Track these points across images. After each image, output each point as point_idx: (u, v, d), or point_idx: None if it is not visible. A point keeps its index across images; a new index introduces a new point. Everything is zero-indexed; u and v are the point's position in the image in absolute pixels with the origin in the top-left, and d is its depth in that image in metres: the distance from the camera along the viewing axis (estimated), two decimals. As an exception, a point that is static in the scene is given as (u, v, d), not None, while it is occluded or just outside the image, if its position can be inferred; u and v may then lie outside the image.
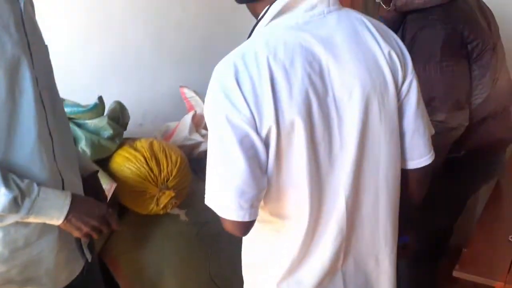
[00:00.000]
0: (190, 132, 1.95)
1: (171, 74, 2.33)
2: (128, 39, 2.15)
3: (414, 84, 0.91)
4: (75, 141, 1.52)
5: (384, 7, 1.49)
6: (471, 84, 1.46)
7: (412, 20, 1.43)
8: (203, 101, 2.02)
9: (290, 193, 0.86)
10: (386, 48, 0.85)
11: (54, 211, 0.96)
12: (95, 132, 1.57)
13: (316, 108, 0.80)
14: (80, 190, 1.13)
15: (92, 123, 1.57)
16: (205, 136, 1.98)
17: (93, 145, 1.54)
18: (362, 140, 0.86)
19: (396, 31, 1.44)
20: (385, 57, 0.85)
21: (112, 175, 1.58)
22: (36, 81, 0.95)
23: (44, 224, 0.98)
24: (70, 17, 1.96)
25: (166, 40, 2.29)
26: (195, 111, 2.04)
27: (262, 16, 0.84)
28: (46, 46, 1.05)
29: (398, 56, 0.87)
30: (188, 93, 2.11)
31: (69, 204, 0.97)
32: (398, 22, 1.46)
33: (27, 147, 0.94)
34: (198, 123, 2.04)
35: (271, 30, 0.83)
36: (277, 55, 0.79)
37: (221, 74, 0.81)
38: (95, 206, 1.05)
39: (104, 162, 1.62)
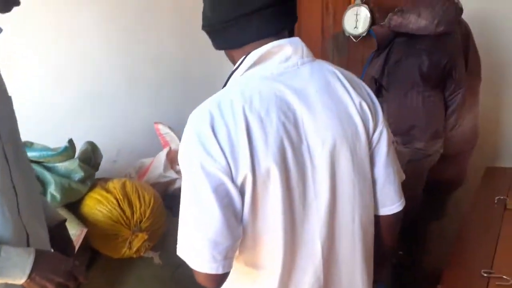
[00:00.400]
0: (165, 169, 1.94)
1: (146, 110, 2.33)
2: (102, 76, 2.14)
3: (385, 133, 0.93)
4: (44, 185, 1.49)
5: (379, 22, 1.55)
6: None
7: (400, 44, 1.45)
8: (178, 137, 2.05)
9: (265, 241, 0.85)
10: (357, 99, 0.88)
11: (16, 271, 0.92)
12: (66, 175, 1.54)
13: (291, 156, 0.81)
14: (46, 244, 1.09)
15: (62, 166, 1.54)
16: (180, 173, 1.96)
17: (63, 189, 1.50)
18: (335, 188, 0.87)
19: (384, 48, 1.49)
20: (356, 108, 0.87)
21: (83, 219, 1.54)
22: None
23: (7, 283, 0.94)
24: (43, 54, 1.94)
25: (140, 76, 2.29)
26: (170, 147, 2.03)
27: (238, 66, 0.86)
28: (9, 98, 1.03)
29: (369, 106, 0.90)
30: (163, 129, 2.10)
31: (32, 262, 0.93)
32: (387, 40, 1.49)
33: None
34: (173, 159, 2.03)
35: (247, 79, 0.85)
36: (252, 104, 0.80)
37: (197, 122, 0.81)
38: (60, 262, 1.01)
39: (74, 206, 1.58)
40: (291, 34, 0.89)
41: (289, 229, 0.84)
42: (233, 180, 0.78)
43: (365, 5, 2.32)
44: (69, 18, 1.99)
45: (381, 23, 1.50)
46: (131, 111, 2.28)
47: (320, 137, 0.84)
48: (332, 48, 2.58)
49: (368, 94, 0.93)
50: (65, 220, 1.22)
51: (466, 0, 1.49)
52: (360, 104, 0.88)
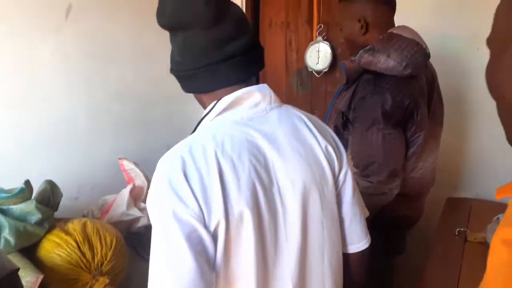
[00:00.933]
0: (128, 207, 1.88)
1: (107, 145, 2.27)
2: (62, 110, 2.08)
3: (349, 174, 0.98)
4: (-3, 230, 1.41)
5: (340, 58, 1.58)
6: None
7: (366, 81, 1.48)
8: (143, 173, 2.00)
9: (237, 286, 0.84)
10: (323, 142, 0.92)
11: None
12: (21, 218, 1.47)
13: (263, 199, 0.82)
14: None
15: (17, 208, 1.47)
16: (144, 210, 1.91)
17: (18, 233, 1.43)
18: (305, 229, 0.88)
19: (352, 82, 1.53)
20: (323, 151, 0.91)
21: (40, 264, 1.46)
22: None
23: None
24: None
25: (102, 111, 2.24)
26: (134, 184, 1.98)
27: (209, 111, 0.87)
28: None
29: (334, 149, 0.94)
30: (128, 165, 2.05)
31: None
32: (356, 75, 1.52)
33: None
34: (137, 196, 1.98)
35: (218, 124, 0.86)
36: (224, 149, 0.80)
37: (168, 167, 0.80)
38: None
39: (31, 250, 1.50)
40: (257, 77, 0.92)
41: (261, 273, 0.84)
42: (205, 226, 0.77)
43: (326, 42, 2.41)
44: (29, 51, 1.93)
45: (352, 58, 1.53)
46: (93, 147, 2.22)
47: (290, 180, 0.86)
48: (297, 82, 2.64)
49: (332, 137, 0.98)
50: (17, 270, 1.15)
51: (432, 45, 1.56)
52: (326, 148, 0.92)
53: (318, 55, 2.43)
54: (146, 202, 0.83)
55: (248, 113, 0.86)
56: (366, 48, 1.47)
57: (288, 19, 2.62)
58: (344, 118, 1.55)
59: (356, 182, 1.32)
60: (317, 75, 2.50)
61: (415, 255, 1.80)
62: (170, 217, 0.76)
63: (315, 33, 2.49)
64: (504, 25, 0.54)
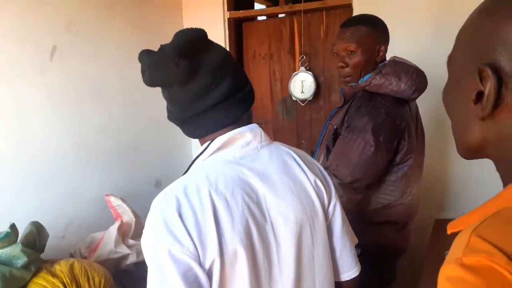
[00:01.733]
0: (116, 244, 1.85)
1: (95, 181, 2.27)
2: (49, 149, 2.08)
3: (338, 206, 1.01)
4: (-18, 276, 1.37)
5: (349, 84, 1.59)
6: (383, 179, 1.53)
7: (362, 96, 1.52)
8: (131, 208, 1.99)
9: None
10: (312, 177, 0.95)
11: None
12: (7, 263, 1.44)
13: (256, 236, 0.84)
14: None
15: (3, 252, 1.44)
16: (132, 247, 1.89)
17: (3, 278, 1.39)
18: (299, 262, 0.90)
19: (349, 101, 1.56)
20: (312, 185, 0.94)
21: (26, 309, 1.42)
22: None
23: None
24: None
25: (88, 147, 2.25)
26: (122, 220, 1.96)
27: (202, 152, 0.90)
28: None
29: (322, 183, 0.97)
30: (115, 201, 2.03)
31: None
32: (353, 96, 1.56)
33: None
34: (125, 233, 1.95)
35: (210, 164, 0.88)
36: (218, 188, 0.82)
37: (163, 208, 0.81)
38: None
39: (17, 294, 1.46)
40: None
41: None
42: (201, 264, 0.78)
43: (309, 72, 2.47)
44: (14, 89, 1.94)
45: (351, 84, 1.56)
46: (79, 184, 2.21)
47: (282, 215, 0.88)
48: (282, 111, 2.69)
49: (321, 171, 1.02)
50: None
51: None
52: (315, 182, 0.95)
53: (302, 85, 2.48)
54: (141, 242, 0.83)
55: (240, 152, 0.89)
56: (374, 72, 1.50)
57: (271, 51, 2.69)
58: (335, 135, 1.57)
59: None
60: (301, 104, 2.55)
61: (407, 277, 1.80)
62: (166, 257, 0.77)
63: (297, 63, 2.56)
64: (461, 56, 0.57)
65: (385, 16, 1.59)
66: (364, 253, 1.49)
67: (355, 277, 1.06)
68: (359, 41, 1.49)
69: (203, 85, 0.86)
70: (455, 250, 0.46)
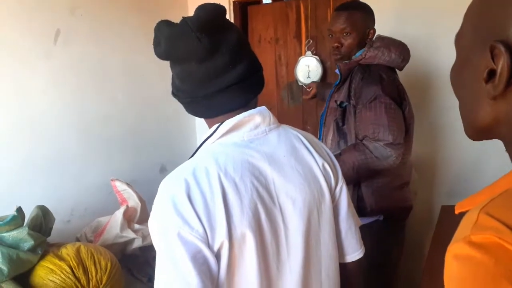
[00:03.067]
0: (122, 229, 1.86)
1: (100, 166, 2.26)
2: (53, 134, 2.07)
3: (344, 188, 1.01)
4: (-11, 259, 1.38)
5: (344, 61, 1.76)
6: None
7: (359, 70, 1.68)
8: (136, 193, 1.99)
9: None
10: (320, 160, 0.95)
11: None
12: (14, 246, 1.44)
13: (265, 219, 0.84)
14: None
15: (10, 235, 1.45)
16: (138, 232, 1.89)
17: (10, 261, 1.40)
18: (306, 245, 0.91)
19: (345, 78, 1.71)
20: (320, 168, 0.94)
21: (33, 292, 1.43)
22: None
23: None
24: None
25: (92, 133, 2.24)
26: (127, 205, 1.96)
27: (211, 135, 0.89)
28: None
29: (330, 166, 0.97)
30: (120, 186, 2.03)
31: None
32: (349, 72, 1.71)
33: None
34: (131, 218, 1.96)
35: (220, 147, 0.87)
36: (227, 171, 0.82)
37: (172, 190, 0.80)
38: None
39: (24, 277, 1.47)
40: None
41: None
42: (209, 247, 0.78)
43: (316, 56, 2.44)
44: (18, 77, 1.92)
45: (345, 61, 1.72)
46: (85, 169, 2.21)
47: (290, 198, 0.88)
48: (287, 96, 2.66)
49: (328, 154, 1.02)
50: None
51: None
52: (323, 165, 0.95)
53: (308, 69, 2.45)
54: (149, 224, 0.83)
55: (249, 135, 0.89)
56: (366, 47, 1.67)
57: (277, 35, 2.65)
58: (343, 109, 1.68)
59: (365, 145, 1.55)
60: (307, 89, 2.52)
61: (417, 264, 1.80)
62: (175, 239, 0.77)
63: (303, 47, 2.52)
64: (469, 33, 0.55)
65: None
66: (385, 218, 1.69)
67: (359, 259, 1.07)
68: (354, 24, 1.68)
69: (222, 64, 0.84)
70: (463, 228, 0.46)
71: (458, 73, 0.58)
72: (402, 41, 1.73)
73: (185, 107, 0.93)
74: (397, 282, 1.91)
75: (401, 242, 1.86)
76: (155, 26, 0.86)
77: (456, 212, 0.53)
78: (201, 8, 0.82)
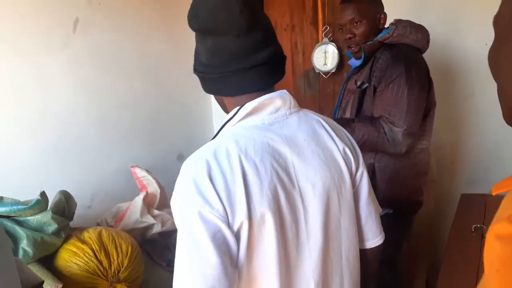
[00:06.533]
0: (142, 214, 1.89)
1: (120, 153, 2.30)
2: (73, 121, 2.11)
3: (365, 174, 1.01)
4: (16, 241, 1.43)
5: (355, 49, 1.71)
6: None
7: (385, 50, 1.64)
8: (155, 180, 2.02)
9: (260, 285, 0.86)
10: (341, 145, 0.95)
11: None
12: (38, 229, 1.48)
13: (284, 201, 0.84)
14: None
15: (34, 219, 1.49)
16: (157, 217, 1.92)
17: (35, 243, 1.44)
18: (326, 228, 0.91)
19: (369, 59, 1.68)
20: (341, 153, 0.94)
21: (58, 273, 1.48)
22: None
23: None
24: (11, 104, 1.89)
25: (111, 121, 2.27)
26: (147, 191, 2.00)
27: (232, 117, 0.89)
28: None
29: (351, 150, 0.97)
30: (140, 172, 2.07)
31: None
32: (372, 53, 1.68)
33: None
34: (150, 203, 1.99)
35: (240, 129, 0.88)
36: (248, 153, 0.83)
37: (193, 170, 0.82)
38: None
39: (48, 259, 1.52)
40: None
41: (283, 272, 0.87)
42: (229, 226, 0.79)
43: (333, 43, 2.41)
44: (39, 66, 1.96)
45: (368, 42, 1.67)
46: (105, 155, 2.25)
47: (310, 182, 0.88)
48: (304, 84, 2.65)
49: (349, 139, 1.01)
50: (42, 282, 1.17)
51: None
52: (344, 150, 0.95)
53: (325, 56, 2.43)
54: (171, 203, 0.84)
55: (269, 118, 0.89)
56: (390, 27, 1.64)
57: (293, 21, 2.63)
58: (363, 90, 1.65)
59: (381, 124, 1.52)
60: (324, 76, 2.50)
61: (429, 251, 1.79)
62: (196, 218, 0.78)
63: (320, 34, 2.50)
64: (509, 9, 0.54)
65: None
66: (395, 212, 1.66)
67: (378, 245, 1.07)
68: (362, 12, 1.64)
69: (257, 41, 0.85)
70: (506, 208, 0.45)
71: (496, 54, 0.57)
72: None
73: (206, 85, 0.92)
74: (401, 275, 1.89)
75: (409, 237, 1.84)
76: None
77: (494, 193, 0.52)
78: None
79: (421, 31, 1.64)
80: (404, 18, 1.68)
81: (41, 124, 1.99)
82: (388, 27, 1.66)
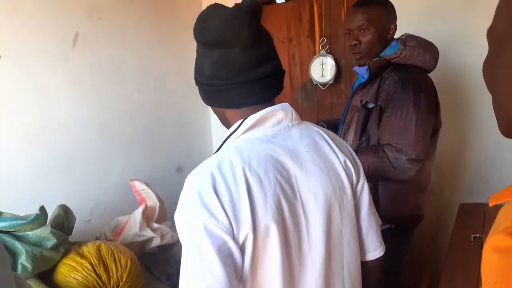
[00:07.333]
0: (141, 228, 1.89)
1: (119, 166, 2.31)
2: (73, 134, 2.12)
3: (366, 186, 1.02)
4: (14, 256, 1.42)
5: (360, 60, 1.66)
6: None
7: (393, 71, 1.58)
8: (155, 193, 2.02)
9: None
10: (341, 156, 0.96)
11: None
12: (37, 244, 1.48)
13: (287, 213, 0.85)
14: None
15: (34, 234, 1.48)
16: (156, 231, 1.92)
17: (34, 259, 1.44)
18: (328, 240, 0.92)
19: (373, 77, 1.62)
20: (342, 165, 0.95)
21: (57, 288, 1.47)
22: None
23: None
24: (12, 117, 1.90)
25: (111, 133, 2.29)
26: (146, 205, 1.99)
27: (235, 130, 0.90)
28: None
29: (351, 162, 0.98)
30: (139, 185, 2.07)
31: None
32: (379, 70, 1.62)
33: None
34: (149, 217, 1.99)
35: (244, 142, 0.89)
36: (251, 165, 0.84)
37: (198, 183, 0.82)
38: None
39: (47, 274, 1.51)
40: None
41: (287, 283, 0.87)
42: (234, 239, 0.80)
43: (330, 55, 2.43)
44: (38, 77, 1.98)
45: (374, 59, 1.62)
46: (104, 169, 2.25)
47: (312, 193, 0.89)
48: (302, 96, 2.67)
49: (350, 151, 1.03)
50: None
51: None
52: (345, 161, 0.96)
53: (323, 68, 2.45)
54: (175, 217, 0.84)
55: (272, 130, 0.90)
56: (397, 43, 1.57)
57: (290, 34, 2.66)
58: (368, 110, 1.61)
59: (385, 152, 1.49)
60: (322, 88, 2.52)
61: (430, 261, 1.78)
62: (202, 231, 0.78)
63: (317, 46, 2.52)
64: (504, 20, 0.54)
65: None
66: (395, 219, 1.63)
67: (379, 257, 1.07)
68: (372, 19, 1.57)
69: (262, 55, 0.87)
70: (502, 220, 0.45)
71: (491, 66, 0.57)
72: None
73: (209, 96, 0.93)
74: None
75: (409, 250, 1.82)
76: (206, 9, 0.89)
77: (490, 204, 0.51)
78: (247, 0, 0.86)
79: (430, 52, 1.59)
80: (409, 30, 1.64)
81: (41, 137, 2.00)
82: (396, 40, 1.61)
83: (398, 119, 1.49)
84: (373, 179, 1.54)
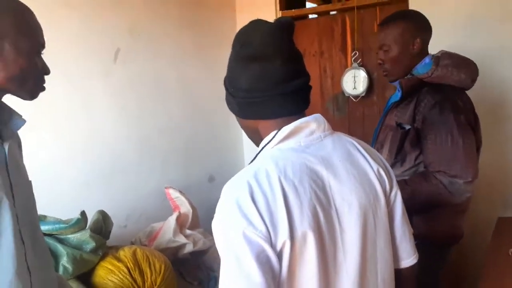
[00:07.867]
0: (175, 234, 1.95)
1: (155, 176, 2.39)
2: (113, 145, 2.22)
3: (398, 194, 1.03)
4: (56, 258, 1.51)
5: (388, 76, 1.67)
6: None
7: (429, 92, 1.55)
8: (188, 200, 2.08)
9: None
10: (375, 166, 0.97)
11: None
12: (78, 247, 1.57)
13: (323, 221, 0.86)
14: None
15: (74, 237, 1.57)
16: (189, 237, 1.98)
17: (75, 261, 1.52)
18: (363, 248, 0.92)
19: (408, 97, 1.59)
20: (375, 174, 0.96)
21: (95, 290, 1.54)
22: (16, 219, 0.97)
23: None
24: (56, 127, 2.02)
25: (150, 145, 2.38)
26: (179, 212, 2.06)
27: (270, 140, 0.94)
28: (29, 182, 1.08)
29: (384, 171, 0.99)
30: (174, 193, 2.14)
31: None
32: (413, 89, 1.59)
33: (3, 285, 0.94)
34: (183, 224, 2.05)
35: (278, 151, 0.92)
36: (287, 174, 0.86)
37: (236, 193, 0.85)
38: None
39: (86, 276, 1.59)
40: None
41: None
42: (272, 246, 0.81)
43: (362, 68, 2.45)
44: (82, 91, 2.09)
45: (407, 77, 1.61)
46: (141, 178, 2.34)
47: (346, 201, 0.90)
48: (333, 107, 2.68)
49: (382, 161, 1.03)
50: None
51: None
52: (378, 171, 0.97)
53: (355, 80, 2.46)
54: (213, 226, 0.87)
55: (305, 140, 0.92)
56: (430, 61, 1.54)
57: (321, 48, 2.69)
58: (404, 130, 1.58)
59: (438, 179, 1.47)
60: (354, 100, 2.53)
61: (467, 276, 1.73)
62: (240, 239, 0.80)
63: (349, 60, 2.54)
64: None
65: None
66: (431, 238, 1.58)
67: (413, 265, 1.07)
68: (393, 38, 1.58)
69: (296, 69, 0.92)
70: None
71: None
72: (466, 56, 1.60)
73: (247, 108, 0.96)
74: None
75: (446, 264, 1.74)
76: (247, 24, 0.94)
77: None
78: (284, 17, 0.93)
79: (465, 70, 1.55)
80: (446, 46, 1.61)
81: (84, 147, 2.11)
82: (431, 56, 1.57)
83: (444, 145, 1.47)
84: (426, 206, 1.51)
